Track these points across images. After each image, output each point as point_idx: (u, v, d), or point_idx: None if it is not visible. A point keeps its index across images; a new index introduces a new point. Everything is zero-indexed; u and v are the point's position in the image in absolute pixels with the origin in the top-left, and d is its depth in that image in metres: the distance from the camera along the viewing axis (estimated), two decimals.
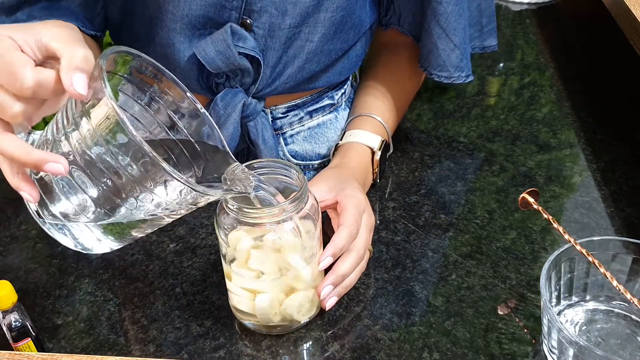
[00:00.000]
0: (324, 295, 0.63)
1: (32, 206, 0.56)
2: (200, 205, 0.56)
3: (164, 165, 0.49)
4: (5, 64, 0.49)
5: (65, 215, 0.56)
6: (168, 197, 0.52)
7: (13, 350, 0.61)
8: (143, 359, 0.61)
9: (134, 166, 0.50)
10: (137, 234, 0.59)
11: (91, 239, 0.58)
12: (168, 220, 0.57)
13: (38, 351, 0.61)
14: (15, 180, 0.54)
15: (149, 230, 0.59)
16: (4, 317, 0.59)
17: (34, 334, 0.61)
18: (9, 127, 0.52)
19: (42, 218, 0.56)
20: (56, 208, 0.55)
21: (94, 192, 0.53)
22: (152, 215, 0.55)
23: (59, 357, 0.54)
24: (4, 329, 0.60)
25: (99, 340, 0.65)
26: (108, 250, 0.60)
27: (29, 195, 0.53)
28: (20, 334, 0.60)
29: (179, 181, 0.50)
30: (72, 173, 0.52)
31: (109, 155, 0.50)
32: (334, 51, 0.80)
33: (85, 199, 0.54)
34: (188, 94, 0.60)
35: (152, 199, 0.52)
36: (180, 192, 0.52)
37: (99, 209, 0.54)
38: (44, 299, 0.70)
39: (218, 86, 0.80)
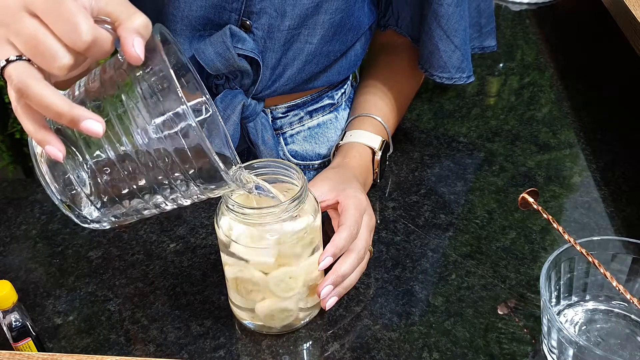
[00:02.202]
0: (324, 295, 0.63)
1: (38, 150, 0.53)
2: (209, 196, 0.55)
3: (213, 155, 0.48)
4: (64, 11, 0.45)
5: (71, 182, 0.53)
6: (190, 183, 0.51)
7: (13, 350, 0.61)
8: (143, 359, 0.61)
9: (177, 144, 0.49)
10: (130, 218, 0.57)
11: (85, 204, 0.55)
12: (169, 207, 0.56)
13: (38, 351, 0.61)
14: (41, 134, 0.49)
15: (138, 217, 0.57)
16: (4, 317, 0.59)
17: (34, 333, 0.61)
18: (46, 78, 0.48)
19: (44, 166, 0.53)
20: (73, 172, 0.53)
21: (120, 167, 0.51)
22: (171, 200, 0.53)
23: (59, 357, 0.54)
24: (4, 328, 0.60)
25: (99, 340, 0.65)
26: (89, 226, 0.57)
27: (58, 151, 0.48)
28: (20, 333, 0.60)
29: (218, 167, 0.49)
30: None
31: (153, 127, 0.48)
32: (333, 52, 0.80)
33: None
34: (206, 95, 0.59)
35: (179, 184, 0.51)
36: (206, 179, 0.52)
37: (119, 188, 0.52)
38: (44, 299, 0.70)
39: (217, 87, 0.80)
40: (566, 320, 0.63)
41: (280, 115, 0.85)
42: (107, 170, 0.51)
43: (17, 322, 0.60)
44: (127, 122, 0.49)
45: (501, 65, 1.11)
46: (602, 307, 0.64)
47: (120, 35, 0.47)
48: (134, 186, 0.52)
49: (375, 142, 0.79)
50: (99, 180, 0.52)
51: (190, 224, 0.79)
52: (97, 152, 0.51)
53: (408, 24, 0.85)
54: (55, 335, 0.66)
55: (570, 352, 0.55)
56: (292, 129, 0.87)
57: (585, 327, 0.62)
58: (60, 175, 0.53)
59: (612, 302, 0.64)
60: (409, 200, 0.81)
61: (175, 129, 0.49)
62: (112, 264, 0.74)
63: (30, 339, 0.61)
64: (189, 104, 0.49)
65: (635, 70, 1.02)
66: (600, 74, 1.07)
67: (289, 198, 0.57)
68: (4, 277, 0.72)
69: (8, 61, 0.46)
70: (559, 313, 0.63)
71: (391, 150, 0.84)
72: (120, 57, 0.50)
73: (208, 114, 0.60)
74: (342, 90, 0.90)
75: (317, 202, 0.62)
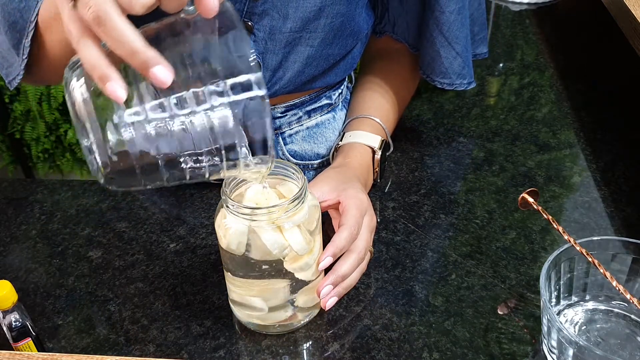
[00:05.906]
0: (323, 295, 0.63)
1: (78, 86, 0.48)
2: (239, 173, 0.53)
3: (269, 130, 0.47)
4: None
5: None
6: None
7: (13, 350, 0.61)
8: (143, 359, 0.61)
9: (236, 110, 0.47)
10: (158, 184, 0.53)
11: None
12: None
13: (38, 351, 0.61)
14: (106, 68, 0.44)
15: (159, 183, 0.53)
16: (4, 317, 0.60)
17: (34, 333, 0.61)
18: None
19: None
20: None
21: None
22: (209, 167, 0.51)
23: (59, 357, 0.54)
24: (4, 328, 0.60)
25: (99, 340, 0.65)
26: (111, 185, 0.52)
27: (121, 88, 0.44)
28: (20, 333, 0.60)
29: (269, 142, 0.48)
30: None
31: (219, 89, 0.46)
32: (333, 56, 0.81)
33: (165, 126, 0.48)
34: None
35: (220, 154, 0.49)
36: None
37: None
38: (44, 299, 0.70)
39: None
40: (566, 320, 0.63)
41: (279, 115, 0.85)
42: (154, 129, 0.48)
43: (17, 322, 0.60)
44: (189, 80, 0.46)
45: (501, 65, 1.11)
46: (602, 307, 0.64)
47: None
48: (176, 150, 0.49)
49: (375, 141, 0.80)
50: (142, 139, 0.48)
51: (190, 224, 0.79)
52: (150, 106, 0.47)
53: (405, 30, 0.86)
54: (55, 335, 0.66)
55: (570, 352, 0.55)
56: (290, 129, 0.87)
57: (585, 327, 0.62)
58: (98, 125, 0.48)
59: (612, 302, 0.64)
60: (409, 200, 0.81)
61: (241, 95, 0.47)
62: (112, 264, 0.74)
63: (30, 339, 0.61)
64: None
65: (635, 70, 1.02)
66: (601, 74, 1.07)
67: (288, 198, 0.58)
68: (4, 277, 0.72)
69: None
70: (559, 313, 0.63)
71: (391, 149, 0.84)
72: (183, 15, 0.48)
73: None
74: (339, 91, 0.90)
75: (317, 202, 0.62)
